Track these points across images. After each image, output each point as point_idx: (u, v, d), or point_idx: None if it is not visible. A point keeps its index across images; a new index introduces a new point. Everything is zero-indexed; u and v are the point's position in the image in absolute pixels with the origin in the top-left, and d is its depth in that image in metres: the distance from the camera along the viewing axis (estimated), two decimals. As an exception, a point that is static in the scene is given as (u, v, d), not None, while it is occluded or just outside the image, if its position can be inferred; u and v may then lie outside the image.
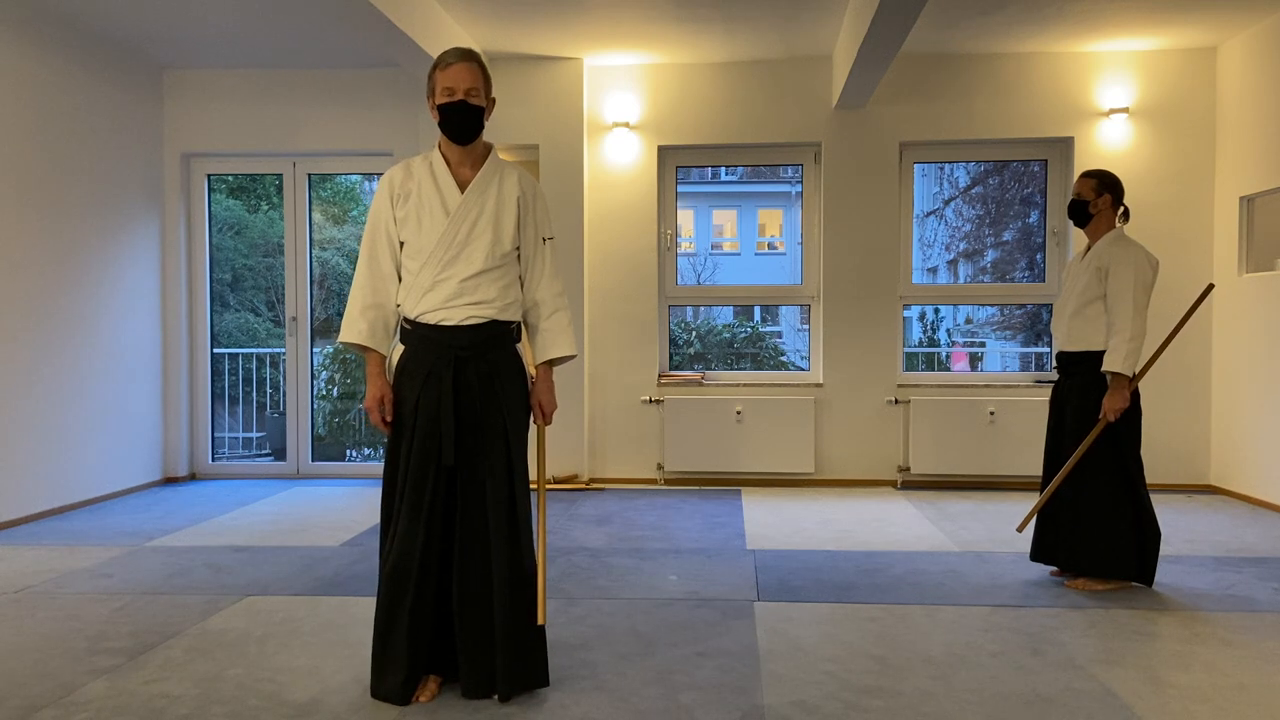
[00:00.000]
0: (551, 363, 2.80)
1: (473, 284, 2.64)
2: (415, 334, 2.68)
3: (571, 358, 2.84)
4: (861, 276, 6.23)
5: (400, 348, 2.74)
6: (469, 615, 2.64)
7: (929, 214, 12.60)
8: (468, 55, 2.68)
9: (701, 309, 10.11)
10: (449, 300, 2.64)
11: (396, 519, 2.64)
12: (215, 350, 6.87)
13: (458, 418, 2.63)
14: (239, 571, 4.08)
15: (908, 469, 6.17)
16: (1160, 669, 2.93)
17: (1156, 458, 5.48)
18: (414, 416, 2.64)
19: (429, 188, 2.67)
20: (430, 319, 2.65)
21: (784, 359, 10.49)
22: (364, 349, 2.69)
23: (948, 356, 10.08)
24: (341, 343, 2.70)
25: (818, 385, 6.29)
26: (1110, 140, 6.06)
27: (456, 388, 2.64)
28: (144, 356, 6.25)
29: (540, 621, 2.66)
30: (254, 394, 8.13)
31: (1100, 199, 3.82)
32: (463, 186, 2.69)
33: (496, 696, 2.66)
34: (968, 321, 11.54)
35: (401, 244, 2.69)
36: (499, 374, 2.69)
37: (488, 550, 2.64)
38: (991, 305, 10.02)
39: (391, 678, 2.64)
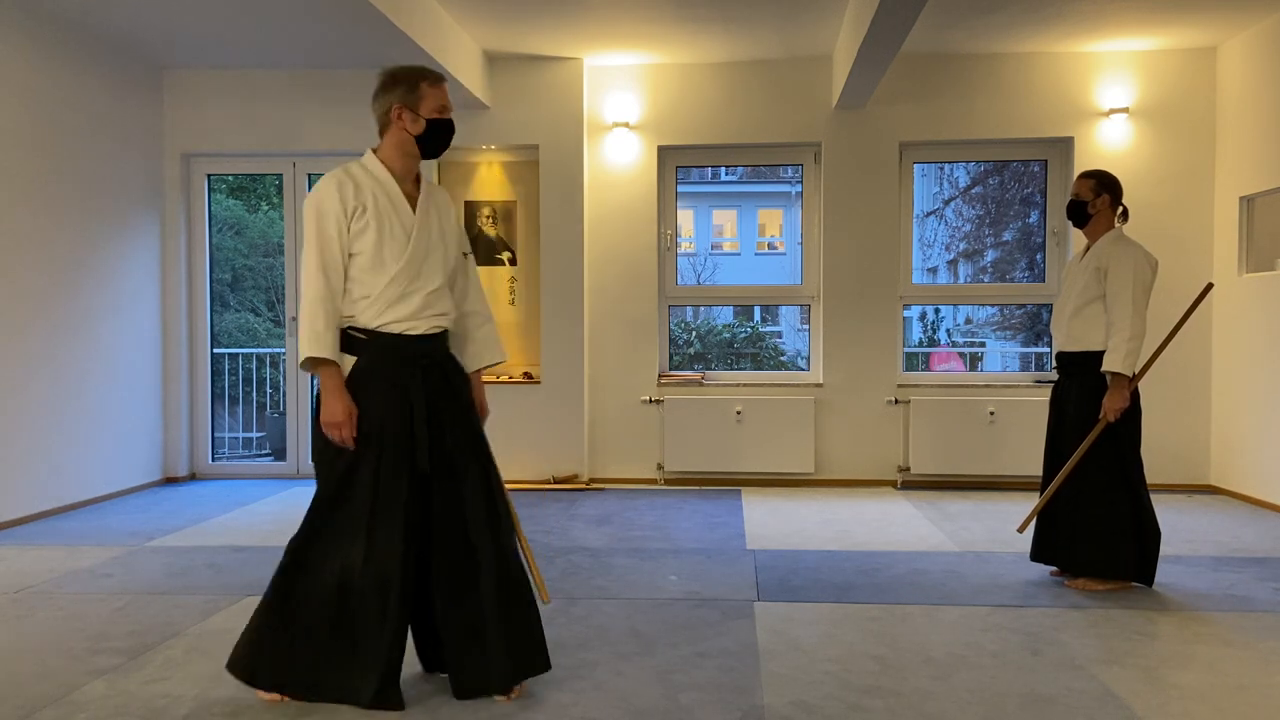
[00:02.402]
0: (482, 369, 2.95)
1: (434, 297, 2.72)
2: (375, 344, 2.67)
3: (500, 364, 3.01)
4: (861, 276, 6.23)
5: (349, 359, 2.68)
6: (458, 617, 2.65)
7: (929, 214, 12.61)
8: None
9: (701, 309, 10.12)
10: (418, 312, 2.68)
11: (362, 532, 2.60)
12: (215, 350, 6.86)
13: (429, 423, 2.68)
14: (239, 571, 4.08)
15: (908, 469, 6.17)
16: (1160, 669, 2.93)
17: (1156, 458, 5.48)
18: (380, 428, 2.63)
19: (385, 203, 2.67)
20: (395, 329, 2.67)
21: (784, 359, 10.50)
22: (328, 364, 2.61)
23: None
24: (309, 358, 2.60)
25: (818, 385, 6.28)
26: (1110, 140, 6.06)
27: (426, 394, 2.68)
28: (144, 357, 6.25)
29: (546, 600, 2.75)
30: (254, 394, 8.14)
31: (1099, 199, 3.82)
32: (409, 201, 2.73)
33: (496, 696, 2.66)
34: (968, 321, 11.54)
35: (351, 255, 2.66)
36: (456, 378, 2.80)
37: (473, 551, 2.66)
38: (991, 305, 10.02)
39: (360, 681, 2.61)
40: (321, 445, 2.66)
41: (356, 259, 2.65)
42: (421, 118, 2.69)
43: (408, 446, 2.64)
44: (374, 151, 2.75)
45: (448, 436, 2.69)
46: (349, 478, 2.63)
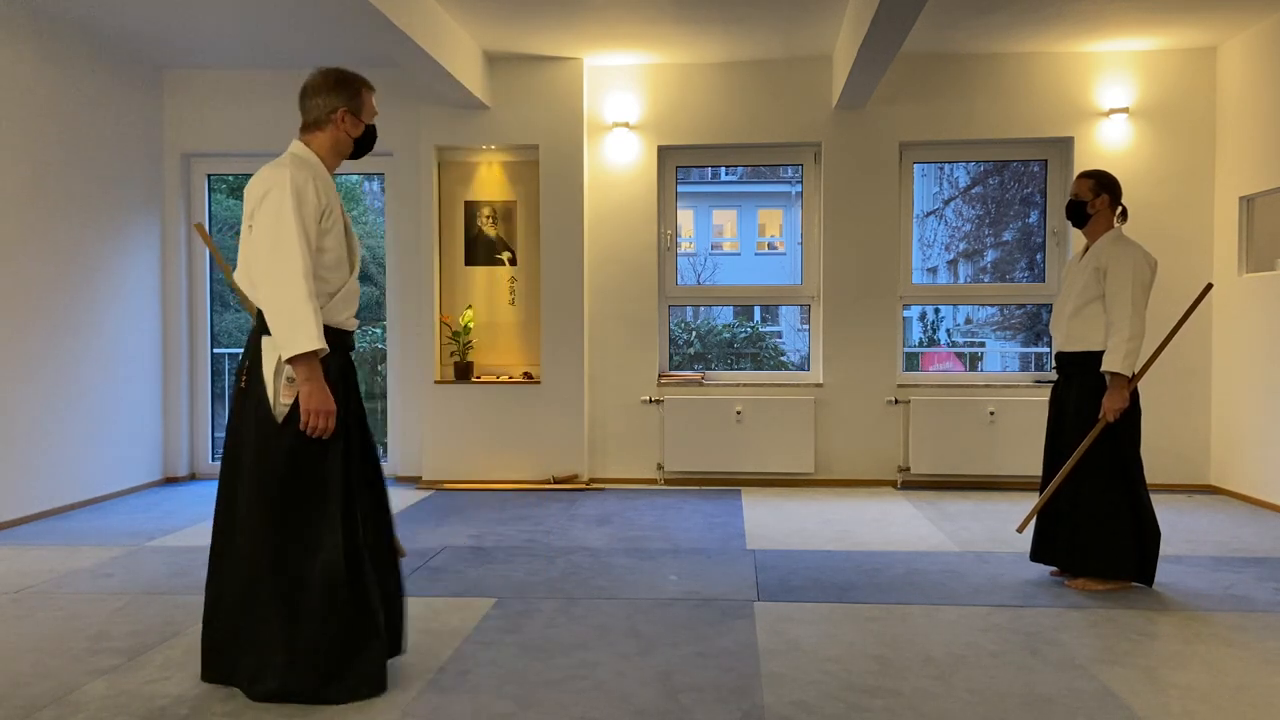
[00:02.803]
0: None
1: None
2: (330, 339, 2.70)
3: None
4: (861, 276, 6.23)
5: None
6: (396, 584, 2.88)
7: (929, 214, 12.61)
8: None
9: (701, 309, 10.13)
10: (356, 309, 2.89)
11: (338, 521, 2.66)
12: (215, 350, 6.87)
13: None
14: (239, 571, 4.08)
15: (908, 469, 6.17)
16: (1160, 669, 2.93)
17: (1156, 458, 5.48)
18: (341, 418, 2.72)
19: (337, 204, 2.77)
20: (348, 325, 2.85)
21: (784, 359, 10.50)
22: (317, 354, 2.63)
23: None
24: (304, 353, 2.57)
25: (818, 385, 6.28)
26: (1110, 140, 6.05)
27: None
28: (144, 356, 6.25)
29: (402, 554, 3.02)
30: (254, 394, 8.12)
31: (1098, 199, 3.82)
32: None
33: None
34: (968, 321, 11.54)
35: (318, 251, 2.70)
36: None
37: (391, 523, 2.91)
38: (991, 305, 10.02)
39: (376, 662, 2.71)
40: (281, 438, 2.64)
41: (323, 256, 2.71)
42: (362, 123, 2.83)
43: (357, 434, 2.81)
44: (306, 145, 2.79)
45: (366, 426, 2.91)
46: (319, 468, 2.67)
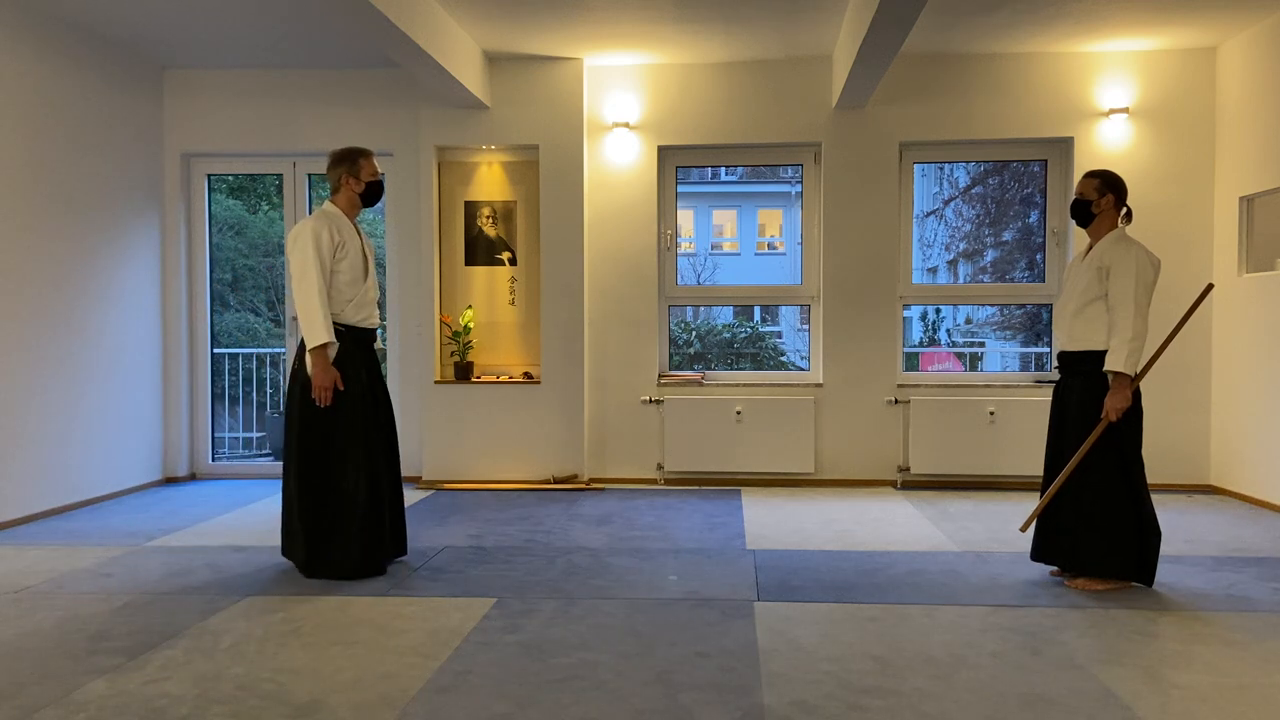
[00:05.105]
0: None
1: (375, 303, 4.13)
2: (350, 333, 4.01)
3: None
4: (861, 276, 6.23)
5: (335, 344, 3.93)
6: (401, 501, 4.22)
7: (929, 214, 12.62)
8: None
9: (701, 309, 10.14)
10: (372, 312, 4.09)
11: (360, 460, 3.97)
12: (215, 350, 6.86)
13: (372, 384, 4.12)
14: (239, 571, 4.08)
15: (908, 469, 6.17)
16: (1160, 669, 2.93)
17: (1156, 458, 5.48)
18: (359, 390, 3.99)
19: (354, 241, 4.00)
20: (367, 324, 4.08)
21: (784, 359, 10.50)
22: (326, 347, 3.87)
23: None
24: (321, 345, 3.84)
25: (818, 385, 6.28)
26: (1110, 140, 6.05)
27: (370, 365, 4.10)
28: (144, 357, 6.24)
29: None
30: (254, 394, 8.14)
31: (1103, 199, 3.82)
32: (359, 237, 4.08)
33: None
34: (968, 321, 11.55)
35: (334, 273, 3.94)
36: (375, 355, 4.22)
37: (398, 458, 4.26)
38: (991, 305, 10.03)
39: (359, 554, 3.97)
40: (310, 405, 3.91)
41: (338, 277, 3.94)
42: (362, 181, 4.02)
43: (372, 398, 4.04)
44: (332, 203, 4.03)
45: (379, 393, 4.11)
46: (332, 423, 3.91)
